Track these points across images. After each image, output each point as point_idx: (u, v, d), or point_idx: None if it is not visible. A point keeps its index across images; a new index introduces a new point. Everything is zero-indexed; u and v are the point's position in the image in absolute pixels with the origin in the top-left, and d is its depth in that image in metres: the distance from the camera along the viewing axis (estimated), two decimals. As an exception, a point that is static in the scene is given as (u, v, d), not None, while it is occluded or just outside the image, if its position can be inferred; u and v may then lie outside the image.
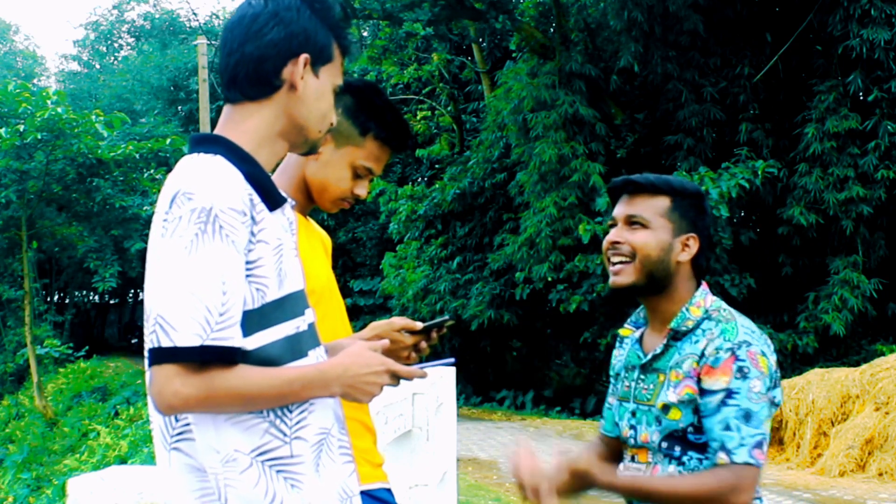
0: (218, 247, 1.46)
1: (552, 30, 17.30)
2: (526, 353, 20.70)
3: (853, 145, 13.39)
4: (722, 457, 1.88)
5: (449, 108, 21.91)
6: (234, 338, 1.46)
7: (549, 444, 12.33)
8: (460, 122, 21.86)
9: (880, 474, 8.61)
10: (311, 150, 1.72)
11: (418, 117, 22.26)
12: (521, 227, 15.85)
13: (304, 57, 1.62)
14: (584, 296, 14.88)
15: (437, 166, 22.19)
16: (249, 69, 1.62)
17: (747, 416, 1.88)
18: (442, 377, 5.12)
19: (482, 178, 18.30)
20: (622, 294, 2.06)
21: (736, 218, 15.00)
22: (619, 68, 15.31)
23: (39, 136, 19.45)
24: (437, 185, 19.48)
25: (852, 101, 13.86)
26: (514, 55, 18.97)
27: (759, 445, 1.87)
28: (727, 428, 1.88)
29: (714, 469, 1.89)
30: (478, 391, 19.90)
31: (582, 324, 16.09)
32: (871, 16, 13.02)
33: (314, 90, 1.65)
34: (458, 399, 9.92)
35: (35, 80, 41.58)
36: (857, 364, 11.42)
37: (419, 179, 23.33)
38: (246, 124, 1.63)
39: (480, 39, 20.48)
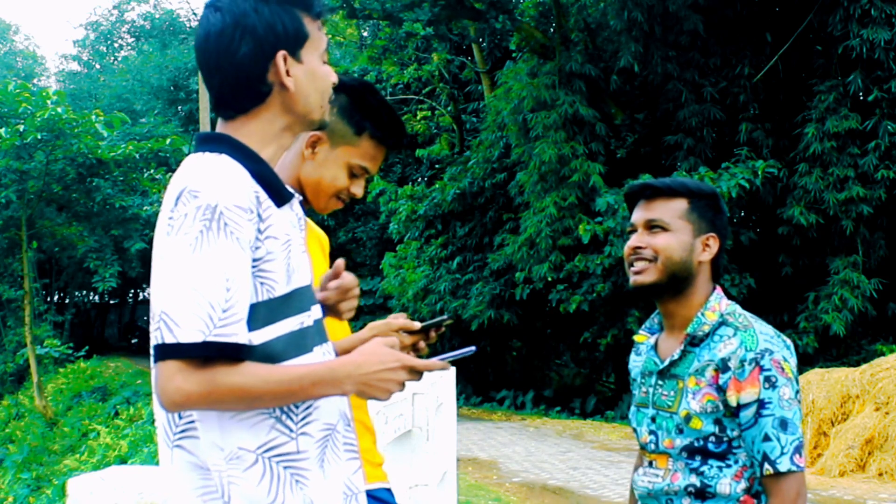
0: (223, 244, 1.46)
1: (552, 30, 17.29)
2: (526, 353, 20.70)
3: (853, 145, 13.38)
4: (767, 468, 1.92)
5: (449, 108, 21.91)
6: (238, 334, 1.46)
7: (549, 444, 12.33)
8: (460, 122, 21.85)
9: (880, 474, 8.61)
10: (321, 126, 1.72)
11: (418, 117, 22.25)
12: (521, 227, 15.85)
13: (281, 55, 1.60)
14: (584, 296, 14.87)
15: (437, 166, 22.19)
16: (235, 87, 1.60)
17: (783, 425, 1.91)
18: (442, 377, 5.12)
19: (482, 178, 18.30)
20: (643, 293, 2.06)
21: (736, 218, 15.01)
22: (619, 68, 15.31)
23: (39, 136, 19.44)
24: (437, 185, 19.47)
25: (852, 101, 13.85)
26: (514, 55, 18.97)
27: (798, 451, 1.92)
28: (767, 439, 1.91)
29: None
30: (478, 391, 19.90)
31: (582, 324, 16.08)
32: (871, 16, 13.01)
33: (303, 76, 1.63)
34: (458, 399, 9.92)
35: (35, 80, 41.59)
36: (857, 364, 11.42)
37: (419, 179, 23.33)
38: (247, 128, 1.62)
39: (480, 39, 20.47)
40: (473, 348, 1.81)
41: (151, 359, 1.48)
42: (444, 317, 2.06)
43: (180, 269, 1.45)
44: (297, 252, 1.60)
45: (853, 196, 13.08)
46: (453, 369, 5.66)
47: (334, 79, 1.69)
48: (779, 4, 15.35)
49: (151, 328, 1.48)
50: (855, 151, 13.34)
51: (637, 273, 2.06)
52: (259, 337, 1.51)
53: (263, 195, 1.55)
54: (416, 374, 1.63)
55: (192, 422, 1.53)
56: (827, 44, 14.09)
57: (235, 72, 1.59)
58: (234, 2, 1.60)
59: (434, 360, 1.67)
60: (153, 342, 1.46)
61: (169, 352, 1.44)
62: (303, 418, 1.55)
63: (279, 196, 1.59)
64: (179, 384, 1.43)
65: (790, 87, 14.91)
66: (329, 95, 1.69)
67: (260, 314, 1.52)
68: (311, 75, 1.64)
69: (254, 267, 1.51)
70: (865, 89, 13.50)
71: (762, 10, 15.06)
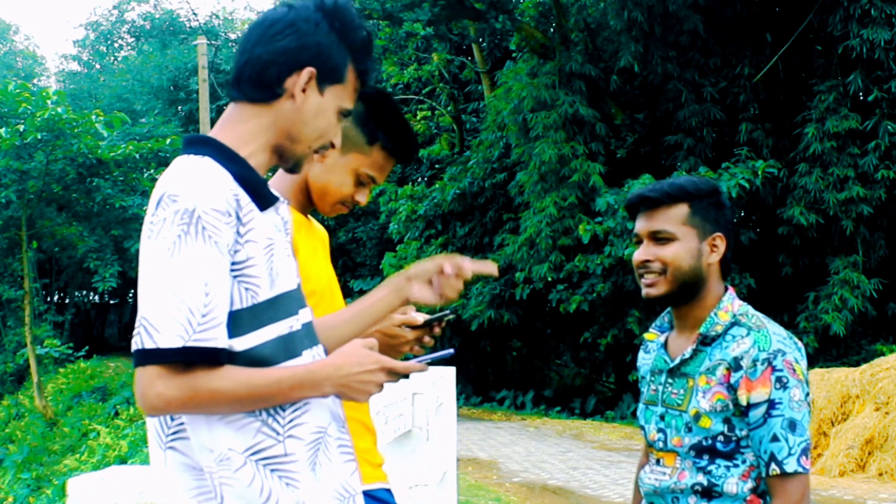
0: (200, 248, 1.46)
1: (552, 30, 17.30)
2: (526, 353, 20.71)
3: (853, 145, 13.39)
4: (773, 468, 1.92)
5: (449, 108, 21.91)
6: (217, 339, 1.46)
7: (549, 444, 12.33)
8: (460, 122, 21.86)
9: (880, 474, 8.61)
10: (295, 167, 1.69)
11: (418, 117, 22.26)
12: (521, 227, 15.85)
13: (308, 70, 1.61)
14: (584, 296, 14.88)
15: (437, 166, 22.20)
16: (254, 71, 1.62)
17: (792, 426, 1.92)
18: (442, 377, 5.13)
19: (482, 178, 18.30)
20: (656, 303, 2.07)
21: (736, 218, 15.01)
22: (619, 68, 15.31)
23: (39, 136, 19.44)
24: (437, 185, 19.48)
25: (852, 101, 13.86)
26: (514, 55, 18.97)
27: (805, 452, 1.93)
28: (775, 439, 1.92)
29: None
30: (478, 391, 19.90)
31: (582, 324, 16.09)
32: (871, 16, 13.02)
33: (314, 106, 1.63)
34: (458, 399, 9.92)
35: (35, 80, 41.54)
36: (857, 364, 11.42)
37: (419, 179, 23.33)
38: (243, 126, 1.62)
39: (480, 39, 20.47)
40: (451, 351, 1.81)
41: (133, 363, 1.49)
42: (447, 311, 2.06)
43: (159, 274, 1.46)
44: (282, 256, 1.60)
45: (853, 196, 13.08)
46: (453, 369, 5.67)
47: (337, 141, 1.69)
48: (779, 4, 15.36)
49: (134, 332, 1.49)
50: (855, 151, 13.34)
51: (649, 286, 2.05)
52: (245, 342, 1.51)
53: (245, 198, 1.54)
54: (395, 375, 1.64)
55: (183, 423, 1.54)
56: (827, 44, 14.09)
57: (265, 56, 1.61)
58: (306, 8, 1.63)
59: (412, 363, 1.68)
60: (133, 347, 1.47)
61: (149, 357, 1.44)
62: (290, 421, 1.55)
63: (263, 199, 1.58)
64: (160, 389, 1.44)
65: (790, 87, 14.91)
66: (320, 144, 1.67)
67: (244, 320, 1.51)
68: (321, 111, 1.64)
69: (236, 272, 1.51)
70: (865, 89, 13.51)
71: (762, 10, 15.07)
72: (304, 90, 1.61)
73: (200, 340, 1.44)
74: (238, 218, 1.52)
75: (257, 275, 1.53)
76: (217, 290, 1.47)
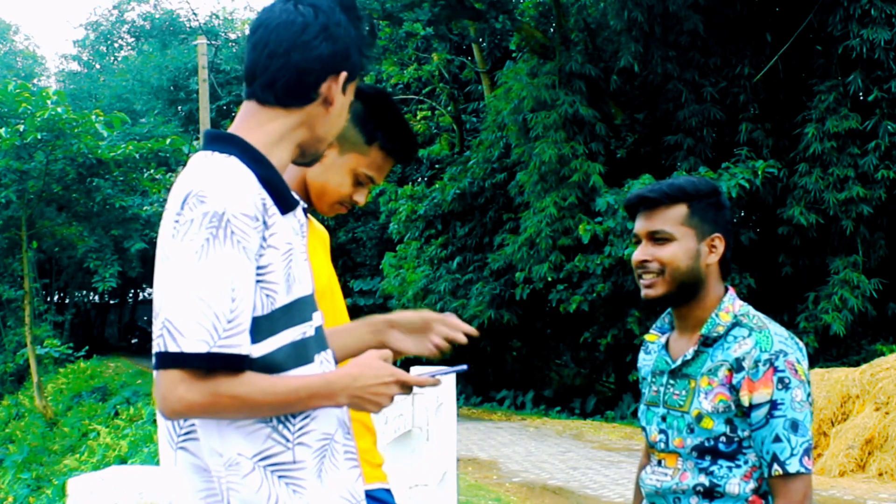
0: (229, 253, 1.44)
1: (552, 30, 17.30)
2: (526, 353, 20.70)
3: (853, 145, 13.38)
4: (776, 469, 1.93)
5: (449, 108, 21.91)
6: (241, 345, 1.45)
7: (549, 444, 12.33)
8: (460, 122, 21.86)
9: (880, 474, 8.61)
10: (312, 162, 1.72)
11: (418, 117, 22.26)
12: (521, 227, 15.85)
13: (343, 74, 1.63)
14: (584, 296, 14.88)
15: (437, 166, 22.20)
16: (291, 78, 1.60)
17: (794, 426, 1.93)
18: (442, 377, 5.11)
19: (482, 178, 18.30)
20: (655, 304, 2.08)
21: (736, 218, 15.00)
22: (619, 68, 15.31)
23: (39, 136, 19.47)
24: (437, 185, 19.47)
25: (852, 101, 13.85)
26: (514, 55, 18.97)
27: (807, 453, 1.94)
28: (777, 440, 1.93)
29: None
30: (478, 391, 19.89)
31: (582, 324, 16.09)
32: (871, 16, 13.01)
33: (340, 106, 1.66)
34: (458, 399, 9.92)
35: (35, 80, 41.57)
36: (857, 364, 11.42)
37: (419, 179, 23.34)
38: (269, 126, 1.61)
39: (480, 39, 20.47)
40: (465, 367, 1.81)
41: (153, 364, 1.48)
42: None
43: (185, 277, 1.44)
44: (299, 260, 1.59)
45: (853, 196, 13.08)
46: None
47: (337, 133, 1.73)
48: (779, 4, 15.36)
49: (154, 334, 1.47)
50: (855, 151, 13.33)
51: (647, 287, 2.06)
52: (260, 349, 1.50)
53: (269, 201, 1.53)
54: (408, 388, 1.64)
55: (194, 425, 1.53)
56: (827, 44, 14.09)
57: (303, 64, 1.60)
58: (333, 10, 1.62)
59: (426, 377, 1.68)
60: (155, 349, 1.45)
61: (172, 361, 1.43)
62: (300, 428, 1.55)
63: (285, 203, 1.57)
64: (182, 394, 1.43)
65: (790, 87, 14.91)
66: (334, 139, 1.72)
67: (262, 326, 1.50)
68: (343, 109, 1.67)
69: (258, 277, 1.50)
70: (865, 89, 13.50)
71: (762, 10, 15.06)
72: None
73: (225, 347, 1.43)
74: (264, 222, 1.51)
75: (276, 281, 1.52)
76: (243, 296, 1.46)
